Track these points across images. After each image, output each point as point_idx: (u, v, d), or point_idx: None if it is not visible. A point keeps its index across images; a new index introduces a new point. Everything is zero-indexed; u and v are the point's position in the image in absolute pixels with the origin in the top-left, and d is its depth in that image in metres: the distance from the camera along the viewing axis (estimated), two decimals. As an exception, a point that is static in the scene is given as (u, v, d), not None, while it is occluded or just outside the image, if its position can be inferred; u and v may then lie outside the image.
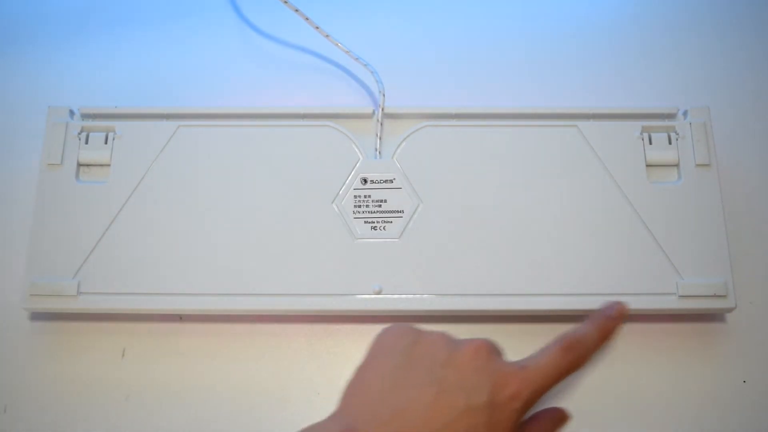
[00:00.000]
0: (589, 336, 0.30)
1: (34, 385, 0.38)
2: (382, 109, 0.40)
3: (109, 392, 0.38)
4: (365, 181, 0.39)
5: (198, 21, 0.48)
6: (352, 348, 0.39)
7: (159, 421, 0.37)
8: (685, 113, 0.40)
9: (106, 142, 0.40)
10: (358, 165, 0.39)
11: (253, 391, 0.38)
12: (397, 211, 0.38)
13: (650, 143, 0.39)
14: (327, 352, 0.39)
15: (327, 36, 0.43)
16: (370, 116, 0.41)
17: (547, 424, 0.31)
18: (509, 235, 0.38)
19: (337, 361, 0.39)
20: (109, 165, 0.39)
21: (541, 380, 0.29)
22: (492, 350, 0.30)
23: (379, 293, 0.37)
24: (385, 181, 0.39)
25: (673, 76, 0.46)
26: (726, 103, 0.44)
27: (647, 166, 0.39)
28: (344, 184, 0.39)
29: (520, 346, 0.38)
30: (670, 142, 0.39)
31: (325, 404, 0.37)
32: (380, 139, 0.40)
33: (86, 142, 0.40)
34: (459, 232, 0.38)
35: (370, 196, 0.39)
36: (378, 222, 0.38)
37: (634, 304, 0.36)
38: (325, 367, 0.38)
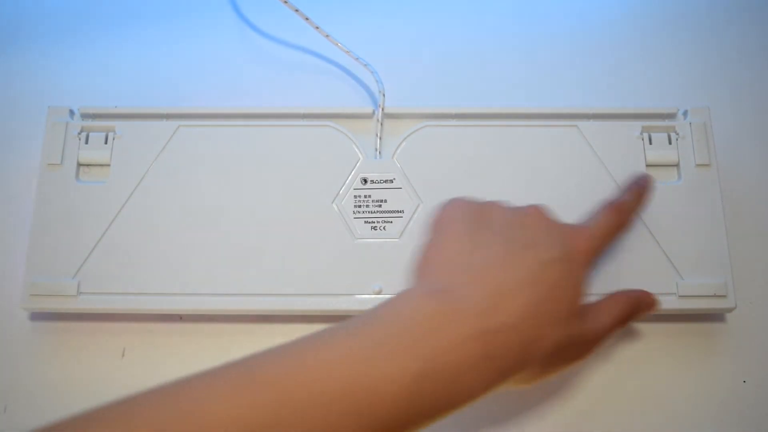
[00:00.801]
0: (631, 200, 0.35)
1: (34, 385, 0.38)
2: (382, 109, 0.40)
3: (109, 392, 0.38)
4: (365, 181, 0.39)
5: (198, 21, 0.48)
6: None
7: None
8: (685, 113, 0.40)
9: (106, 142, 0.40)
10: (358, 165, 0.39)
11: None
12: (398, 211, 0.38)
13: (650, 143, 0.39)
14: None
15: (327, 36, 0.43)
16: (370, 116, 0.41)
17: (629, 301, 0.32)
18: (509, 235, 0.38)
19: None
20: (109, 165, 0.39)
21: (602, 236, 0.32)
22: (550, 212, 0.32)
23: (379, 293, 0.37)
24: (385, 181, 0.39)
25: (673, 76, 0.46)
26: (726, 103, 0.44)
27: (647, 166, 0.39)
28: (344, 184, 0.39)
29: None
30: (670, 142, 0.39)
31: (325, 404, 0.38)
32: (380, 139, 0.40)
33: (86, 142, 0.40)
34: (459, 232, 0.38)
35: (370, 196, 0.39)
36: (378, 222, 0.38)
37: (634, 304, 0.36)
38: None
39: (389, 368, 0.24)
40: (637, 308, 0.33)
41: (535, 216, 0.30)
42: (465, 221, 0.30)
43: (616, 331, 0.32)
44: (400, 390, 0.24)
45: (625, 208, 0.34)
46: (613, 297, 0.32)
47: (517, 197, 0.38)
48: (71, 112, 0.40)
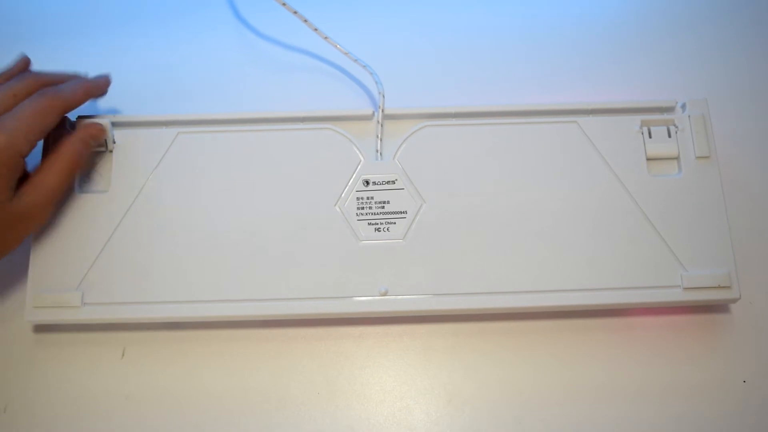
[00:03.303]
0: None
1: (38, 396, 0.38)
2: (382, 110, 0.40)
3: (110, 395, 0.38)
4: (367, 182, 0.39)
5: (195, 23, 0.47)
6: (354, 349, 0.39)
7: (159, 424, 0.37)
8: (683, 106, 0.40)
9: (105, 151, 0.39)
10: (359, 167, 0.39)
11: (255, 392, 0.38)
12: (401, 212, 0.38)
13: (650, 137, 0.40)
14: (327, 351, 0.39)
15: (326, 38, 0.43)
16: (370, 118, 0.41)
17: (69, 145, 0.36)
18: (513, 232, 0.38)
19: (338, 361, 0.39)
20: (109, 174, 0.39)
21: (20, 122, 0.34)
22: None
23: (385, 294, 0.37)
24: (388, 182, 0.39)
25: (671, 69, 0.46)
26: (724, 94, 0.44)
27: (647, 159, 0.39)
28: (346, 186, 0.39)
29: (526, 343, 0.39)
30: (669, 135, 0.40)
31: (326, 404, 0.38)
32: (381, 140, 0.40)
33: (86, 152, 0.39)
34: (463, 231, 0.38)
35: (372, 198, 0.39)
36: (382, 223, 0.38)
37: (639, 297, 0.37)
38: (326, 368, 0.38)
39: None
40: (79, 145, 0.37)
41: None
42: None
43: (72, 171, 0.36)
44: None
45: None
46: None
47: (519, 194, 0.38)
48: (69, 121, 0.40)
